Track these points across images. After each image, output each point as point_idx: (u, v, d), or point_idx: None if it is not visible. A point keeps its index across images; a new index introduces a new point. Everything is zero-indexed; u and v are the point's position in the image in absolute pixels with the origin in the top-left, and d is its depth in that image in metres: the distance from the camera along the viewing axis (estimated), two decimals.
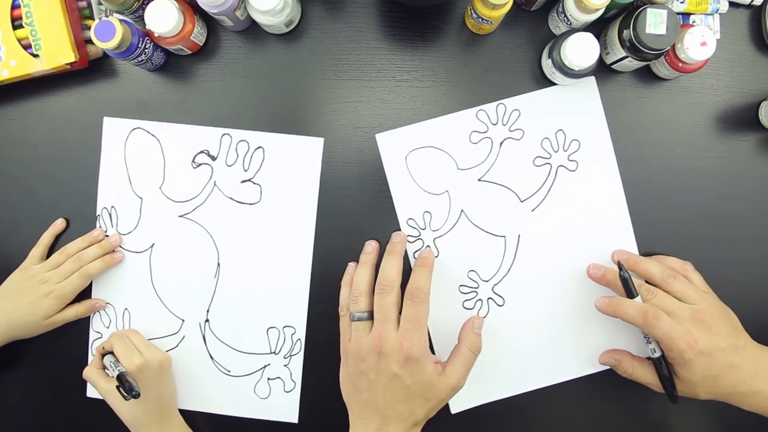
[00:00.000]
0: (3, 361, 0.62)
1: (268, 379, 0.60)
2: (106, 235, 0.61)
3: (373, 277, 0.56)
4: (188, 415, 0.61)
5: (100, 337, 0.61)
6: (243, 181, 0.60)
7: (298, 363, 0.60)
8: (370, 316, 0.54)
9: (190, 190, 0.60)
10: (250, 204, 0.60)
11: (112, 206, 0.61)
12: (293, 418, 0.60)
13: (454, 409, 0.59)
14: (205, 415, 0.61)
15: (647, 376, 0.55)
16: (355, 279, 0.56)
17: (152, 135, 0.60)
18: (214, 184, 0.60)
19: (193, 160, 0.60)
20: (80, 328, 0.61)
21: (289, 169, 0.60)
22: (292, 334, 0.60)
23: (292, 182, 0.60)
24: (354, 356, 0.53)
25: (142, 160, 0.60)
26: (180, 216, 0.60)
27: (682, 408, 0.57)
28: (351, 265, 0.59)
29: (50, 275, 0.58)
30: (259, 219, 0.60)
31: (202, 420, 0.61)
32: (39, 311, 0.57)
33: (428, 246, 0.59)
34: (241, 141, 0.60)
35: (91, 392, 0.62)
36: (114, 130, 0.61)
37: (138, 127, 0.60)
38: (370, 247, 0.58)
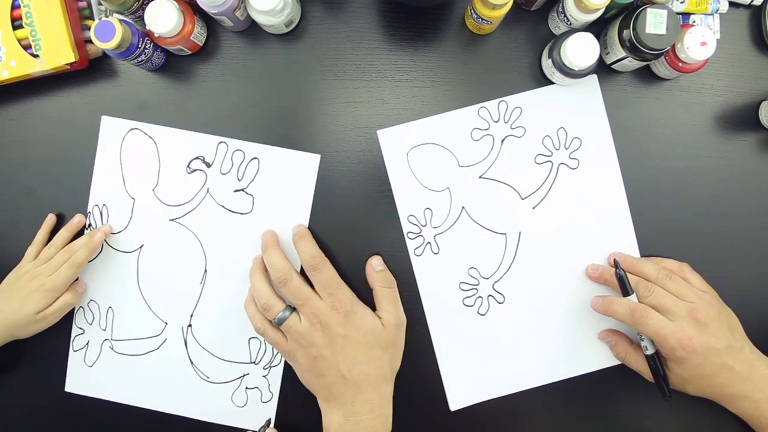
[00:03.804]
0: None
1: (246, 388, 0.60)
2: (92, 226, 0.61)
3: (268, 280, 0.56)
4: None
5: (82, 333, 0.61)
6: (236, 191, 0.60)
7: (277, 375, 0.60)
8: (291, 310, 0.54)
9: (183, 195, 0.60)
10: (242, 214, 0.60)
11: (104, 204, 0.61)
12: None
13: (453, 406, 0.59)
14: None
15: (640, 365, 0.55)
16: (254, 291, 0.56)
17: (149, 137, 0.60)
18: (207, 191, 0.60)
19: (188, 165, 0.60)
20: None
21: (283, 182, 0.59)
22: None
23: (285, 196, 0.59)
24: (301, 348, 0.54)
25: (137, 161, 0.60)
26: (171, 220, 0.60)
27: (681, 409, 0.58)
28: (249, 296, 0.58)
29: (41, 270, 0.58)
30: (250, 229, 0.60)
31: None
32: (30, 305, 0.57)
33: (296, 224, 0.59)
34: (237, 150, 0.60)
35: (70, 387, 0.62)
36: (111, 129, 0.61)
37: (135, 128, 0.60)
38: (256, 258, 0.58)
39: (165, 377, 0.61)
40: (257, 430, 0.58)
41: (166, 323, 0.61)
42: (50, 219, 0.61)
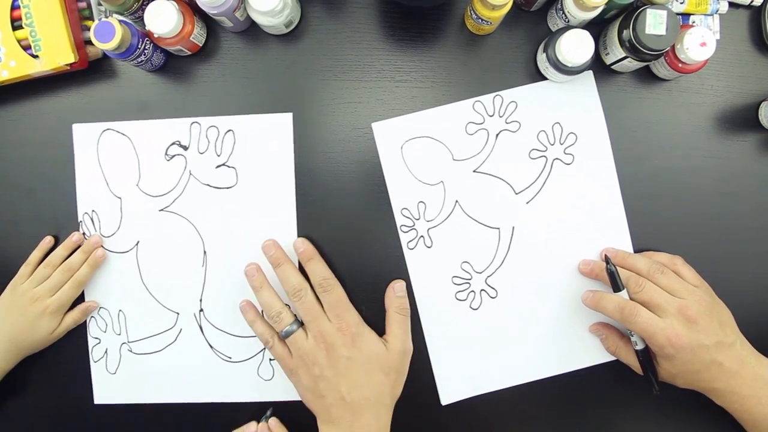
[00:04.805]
0: (8, 375, 0.61)
1: (270, 359, 0.60)
2: (86, 238, 0.60)
3: (276, 293, 0.57)
4: (196, 409, 0.61)
5: (99, 343, 0.61)
6: (217, 166, 0.60)
7: None
8: (299, 325, 0.55)
9: (167, 183, 0.60)
10: (228, 188, 0.60)
11: (93, 210, 0.61)
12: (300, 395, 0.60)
13: (445, 400, 0.59)
14: (214, 406, 0.61)
15: (630, 358, 0.56)
16: (265, 304, 0.57)
17: (122, 134, 0.60)
18: (190, 174, 0.60)
19: (165, 153, 0.60)
20: (78, 335, 0.61)
21: (262, 147, 0.59)
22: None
23: (266, 160, 0.59)
24: (304, 366, 0.54)
25: (116, 161, 0.61)
26: (160, 210, 0.60)
27: (672, 404, 0.58)
28: (244, 304, 0.58)
29: (40, 292, 0.58)
30: (239, 201, 0.60)
31: (212, 411, 0.61)
32: (40, 330, 0.58)
33: (297, 239, 0.58)
34: (210, 127, 0.60)
35: (99, 399, 0.61)
36: (84, 135, 0.61)
37: (108, 129, 0.60)
38: (254, 270, 0.58)
39: (188, 367, 0.61)
40: (260, 419, 0.58)
41: (178, 313, 0.61)
42: (47, 241, 0.60)
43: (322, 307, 0.56)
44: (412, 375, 0.58)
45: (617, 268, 0.54)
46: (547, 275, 0.59)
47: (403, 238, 0.59)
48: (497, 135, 0.59)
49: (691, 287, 0.53)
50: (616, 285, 0.53)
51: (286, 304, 0.57)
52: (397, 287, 0.58)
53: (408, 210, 0.59)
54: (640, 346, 0.54)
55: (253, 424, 0.58)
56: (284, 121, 0.59)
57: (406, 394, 0.57)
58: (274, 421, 0.58)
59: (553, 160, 0.59)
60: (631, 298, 0.53)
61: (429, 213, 0.59)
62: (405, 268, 0.59)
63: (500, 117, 0.59)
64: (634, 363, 0.55)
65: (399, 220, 0.59)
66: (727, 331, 0.52)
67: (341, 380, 0.53)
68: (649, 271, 0.54)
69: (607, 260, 0.54)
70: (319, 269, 0.57)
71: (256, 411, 0.60)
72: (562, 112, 0.59)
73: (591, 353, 0.59)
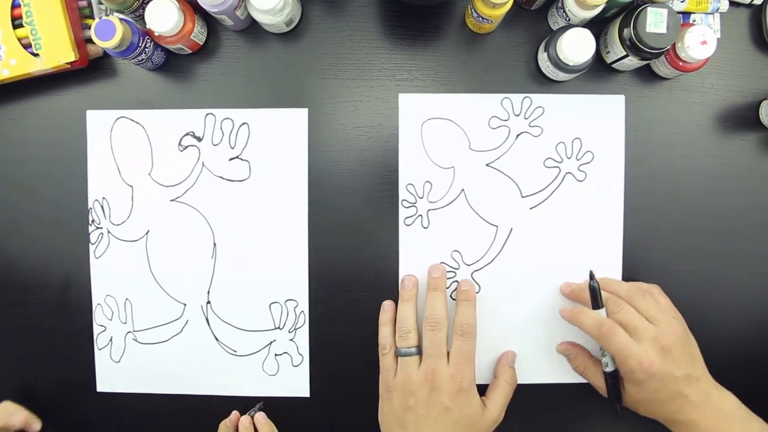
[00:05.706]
0: (11, 359, 0.61)
1: (275, 355, 0.60)
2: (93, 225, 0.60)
3: (417, 313, 0.56)
4: (199, 401, 0.61)
5: (104, 330, 0.61)
6: (231, 159, 0.60)
7: (304, 336, 0.60)
8: (418, 351, 0.54)
9: (180, 174, 0.60)
10: (240, 181, 0.60)
11: (104, 198, 0.61)
12: (305, 392, 0.60)
13: None
14: (216, 398, 0.61)
15: (596, 379, 0.56)
16: (402, 316, 0.56)
17: (137, 123, 0.60)
18: (203, 165, 0.60)
19: (179, 143, 0.60)
20: (83, 322, 0.61)
21: (276, 142, 0.59)
22: (295, 307, 0.60)
23: (280, 154, 0.59)
24: (402, 391, 0.53)
25: (129, 149, 0.60)
26: (172, 200, 0.60)
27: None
28: (387, 304, 0.58)
29: None
30: (251, 195, 0.60)
31: (215, 404, 0.61)
32: None
33: (467, 279, 0.59)
34: (225, 119, 0.60)
35: (101, 386, 0.61)
36: (98, 122, 0.61)
37: (122, 116, 0.60)
38: (411, 283, 0.58)
39: (193, 359, 0.61)
40: (249, 413, 0.58)
41: (185, 304, 0.61)
42: None
43: (449, 350, 0.54)
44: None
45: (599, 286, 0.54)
46: (532, 283, 0.59)
47: (402, 213, 0.59)
48: (518, 135, 0.59)
49: (668, 317, 0.52)
50: (596, 302, 0.53)
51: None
52: (510, 357, 0.58)
53: (413, 186, 0.59)
54: (610, 368, 0.54)
55: (239, 416, 0.57)
56: (299, 116, 0.59)
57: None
58: (261, 416, 0.58)
59: (566, 173, 0.59)
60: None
61: (433, 195, 0.59)
62: (396, 244, 0.59)
63: (525, 119, 0.59)
64: (600, 385, 0.55)
65: (402, 194, 0.59)
66: (696, 366, 0.52)
67: (429, 423, 0.52)
68: (629, 293, 0.54)
69: (591, 276, 0.54)
70: (469, 314, 0.56)
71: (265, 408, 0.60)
72: (586, 128, 0.58)
73: (556, 371, 0.59)
